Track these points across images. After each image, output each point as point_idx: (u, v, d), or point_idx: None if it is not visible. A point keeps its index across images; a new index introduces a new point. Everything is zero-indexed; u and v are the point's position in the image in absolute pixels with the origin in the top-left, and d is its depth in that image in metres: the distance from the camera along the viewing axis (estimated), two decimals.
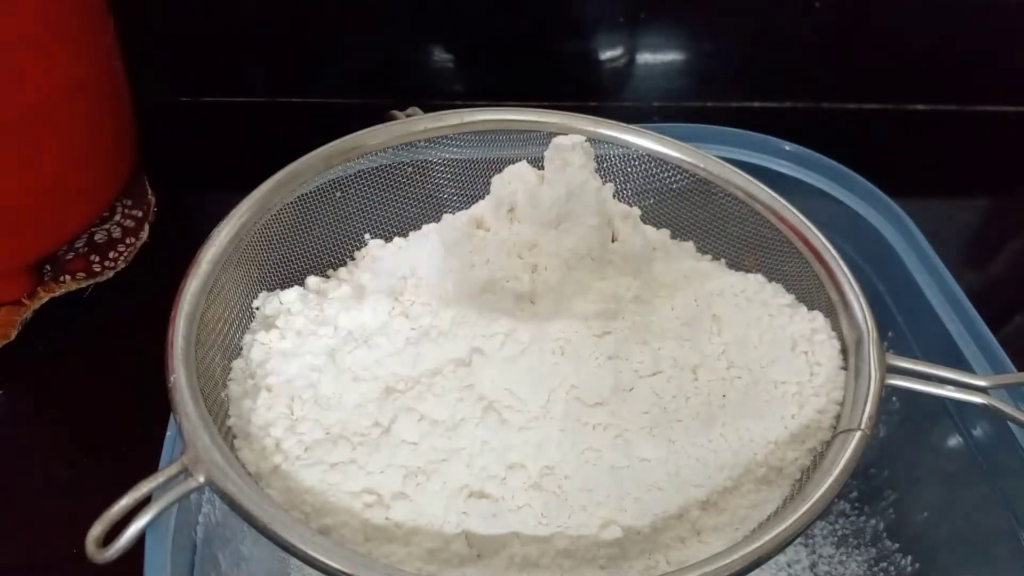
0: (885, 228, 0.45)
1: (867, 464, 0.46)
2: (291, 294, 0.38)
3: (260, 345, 0.36)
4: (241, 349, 0.36)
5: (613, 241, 0.36)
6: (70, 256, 0.54)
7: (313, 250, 0.41)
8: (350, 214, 0.42)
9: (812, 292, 0.39)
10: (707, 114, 0.69)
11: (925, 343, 0.42)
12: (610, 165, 0.43)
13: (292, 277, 0.40)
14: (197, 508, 0.35)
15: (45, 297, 0.52)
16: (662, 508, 0.31)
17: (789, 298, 0.40)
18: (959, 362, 0.39)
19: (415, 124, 0.42)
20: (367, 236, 0.43)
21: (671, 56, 0.68)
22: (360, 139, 0.41)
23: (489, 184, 0.38)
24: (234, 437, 0.33)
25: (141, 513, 0.28)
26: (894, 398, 0.45)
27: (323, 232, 0.41)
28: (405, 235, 0.42)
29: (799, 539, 0.30)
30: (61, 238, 0.52)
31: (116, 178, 0.54)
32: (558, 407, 0.32)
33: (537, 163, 0.38)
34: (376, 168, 0.42)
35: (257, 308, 0.38)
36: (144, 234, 0.56)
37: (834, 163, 0.46)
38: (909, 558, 0.43)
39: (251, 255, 0.38)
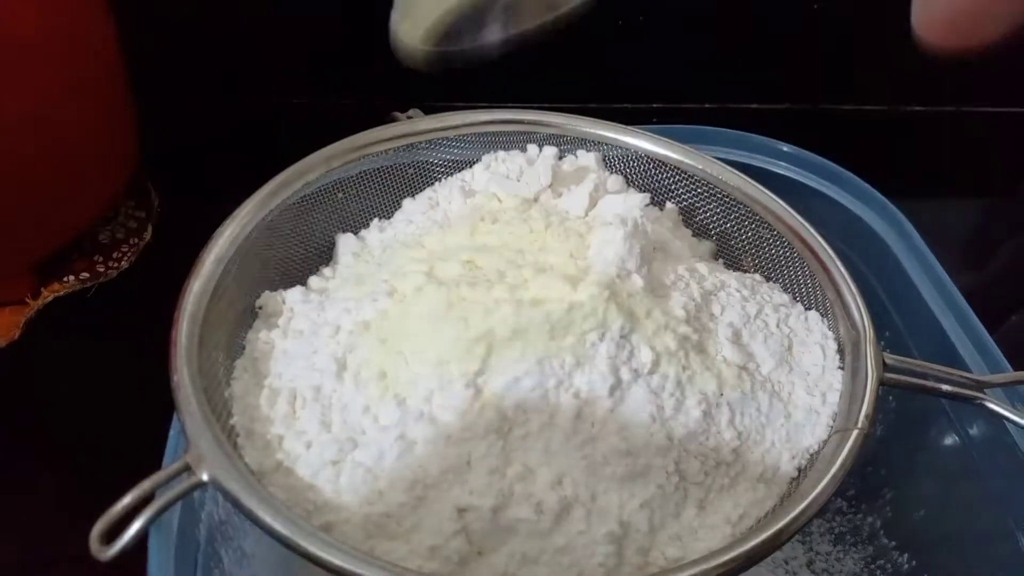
0: (882, 228, 0.45)
1: (864, 462, 0.46)
2: (294, 293, 0.38)
3: (263, 344, 0.36)
4: (244, 348, 0.37)
5: None
6: (74, 256, 0.54)
7: (315, 250, 0.41)
8: (352, 215, 0.42)
9: (809, 292, 0.39)
10: (706, 115, 0.70)
11: (922, 342, 0.42)
12: (610, 166, 0.44)
13: (294, 276, 0.40)
14: (200, 506, 0.35)
15: (49, 297, 0.52)
16: (660, 506, 0.31)
17: (786, 298, 0.40)
18: (955, 361, 0.39)
19: (416, 125, 0.43)
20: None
21: (670, 57, 0.68)
22: (362, 140, 0.41)
23: None
24: (237, 435, 0.33)
25: (144, 511, 0.28)
26: (891, 397, 0.45)
27: (325, 232, 0.42)
28: None
29: (796, 536, 0.31)
30: (64, 238, 0.52)
31: (119, 178, 0.54)
32: (558, 407, 0.32)
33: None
34: (377, 169, 0.42)
35: (260, 307, 0.38)
36: (147, 234, 0.56)
37: (832, 164, 0.47)
38: (906, 555, 0.43)
39: (254, 255, 0.38)
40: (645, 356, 0.33)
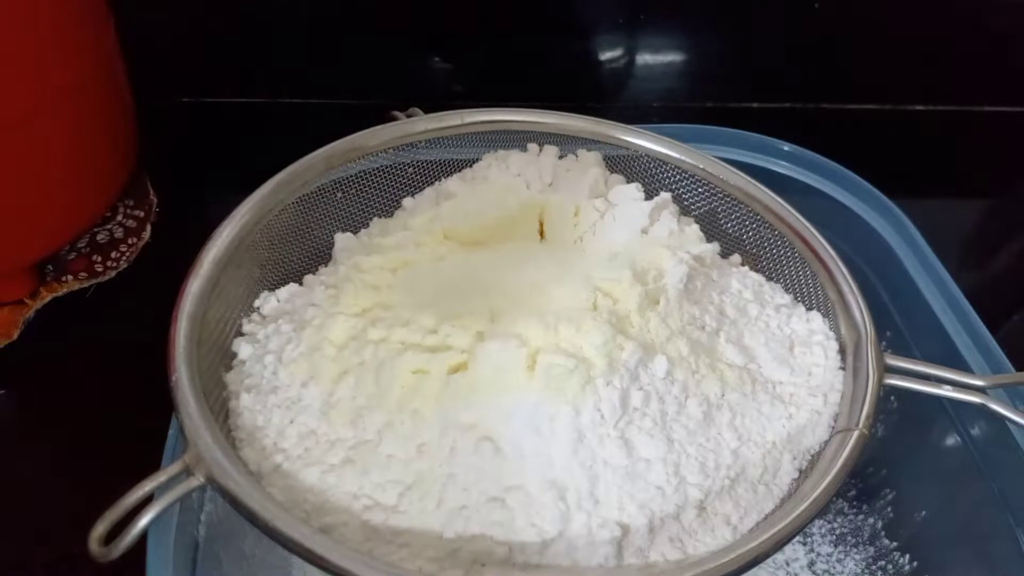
0: (883, 228, 0.45)
1: (865, 463, 0.46)
2: (289, 291, 0.38)
3: (261, 344, 0.36)
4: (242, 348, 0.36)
5: None
6: (72, 256, 0.54)
7: (314, 250, 0.41)
8: (351, 214, 0.42)
9: (811, 292, 0.39)
10: (706, 114, 0.70)
11: (923, 343, 0.42)
12: (610, 165, 0.44)
13: (293, 277, 0.40)
14: (199, 507, 0.35)
15: (47, 297, 0.52)
16: (660, 507, 0.31)
17: (787, 298, 0.40)
18: (957, 362, 0.39)
19: (415, 124, 0.42)
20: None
21: (670, 56, 0.68)
22: (361, 139, 0.41)
23: None
24: (236, 436, 0.33)
25: (143, 512, 0.28)
26: (892, 397, 0.45)
27: (324, 232, 0.41)
28: None
29: (797, 537, 0.31)
30: (63, 238, 0.52)
31: (117, 178, 0.54)
32: (553, 436, 0.32)
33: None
34: (377, 169, 0.42)
35: (258, 308, 0.38)
36: (146, 234, 0.56)
37: (833, 163, 0.46)
38: (907, 556, 0.43)
39: (252, 255, 0.38)
40: (660, 368, 0.32)
